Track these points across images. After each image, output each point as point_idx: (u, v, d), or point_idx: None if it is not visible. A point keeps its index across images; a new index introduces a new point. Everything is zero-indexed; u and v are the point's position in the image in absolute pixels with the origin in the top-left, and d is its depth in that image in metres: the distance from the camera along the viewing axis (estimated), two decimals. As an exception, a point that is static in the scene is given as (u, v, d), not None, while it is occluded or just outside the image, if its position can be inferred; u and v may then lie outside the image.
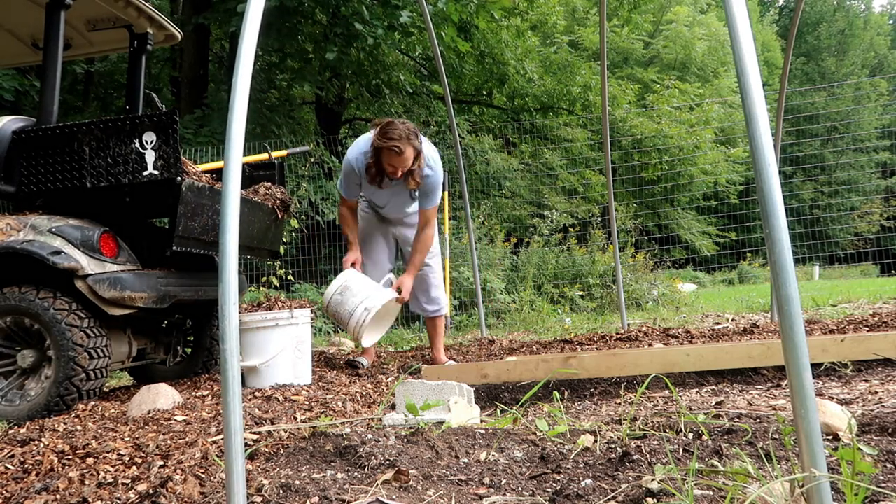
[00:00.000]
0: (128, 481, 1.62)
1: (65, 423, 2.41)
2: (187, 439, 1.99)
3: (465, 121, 12.26)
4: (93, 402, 2.79)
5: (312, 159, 8.47)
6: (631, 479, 1.36)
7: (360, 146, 3.49)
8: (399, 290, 3.50)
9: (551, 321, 7.37)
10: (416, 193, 3.56)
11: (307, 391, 2.81)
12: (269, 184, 3.63)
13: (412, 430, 1.80)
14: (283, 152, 4.24)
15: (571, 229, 10.37)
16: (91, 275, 2.74)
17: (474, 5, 9.35)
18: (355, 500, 1.34)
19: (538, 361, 3.06)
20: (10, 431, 2.41)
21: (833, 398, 2.43)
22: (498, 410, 2.46)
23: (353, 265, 3.51)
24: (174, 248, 2.87)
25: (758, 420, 1.94)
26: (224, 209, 1.29)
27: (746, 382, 2.90)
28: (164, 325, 3.59)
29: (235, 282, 1.26)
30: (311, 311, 3.23)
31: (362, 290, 3.32)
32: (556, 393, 2.69)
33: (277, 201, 3.57)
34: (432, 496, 1.36)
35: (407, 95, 11.04)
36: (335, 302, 3.32)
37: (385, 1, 8.28)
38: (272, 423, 2.17)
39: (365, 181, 3.50)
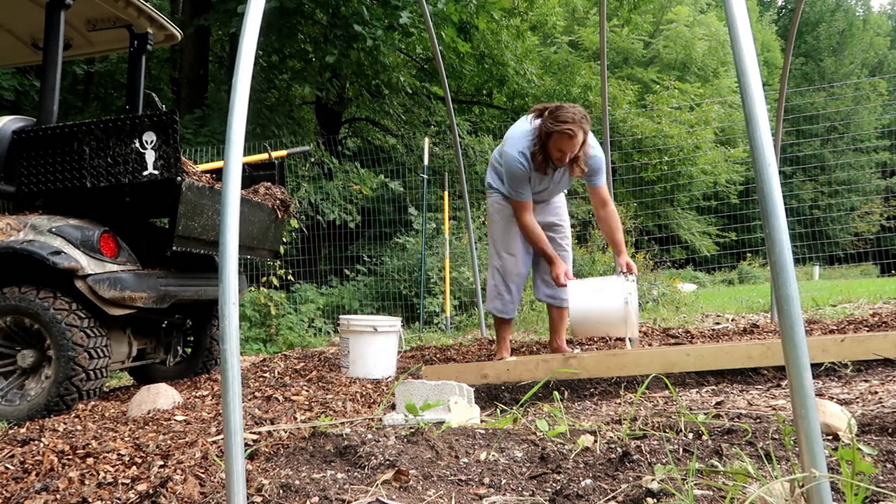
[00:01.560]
0: (128, 481, 1.62)
1: (65, 423, 2.41)
2: (187, 439, 1.99)
3: (465, 121, 12.26)
4: (93, 402, 2.79)
5: (312, 159, 8.48)
6: (631, 479, 1.36)
7: (517, 140, 3.32)
8: (629, 270, 3.43)
9: (551, 321, 7.35)
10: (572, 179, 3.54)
11: (307, 391, 2.81)
12: (269, 184, 3.63)
13: (412, 430, 1.80)
14: (284, 152, 4.22)
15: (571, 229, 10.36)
16: (91, 275, 2.74)
17: (474, 6, 9.36)
18: (355, 500, 1.34)
19: (538, 361, 3.06)
20: (10, 431, 2.41)
21: (833, 398, 2.43)
22: (498, 410, 2.46)
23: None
24: (174, 248, 2.87)
25: (758, 420, 1.94)
26: (224, 209, 1.29)
27: (746, 382, 2.90)
28: (164, 325, 3.59)
29: (235, 282, 1.26)
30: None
31: (608, 287, 3.31)
32: (556, 393, 2.69)
33: (277, 201, 3.57)
34: (432, 496, 1.36)
35: (407, 96, 11.05)
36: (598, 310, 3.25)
37: (385, 1, 8.28)
38: (272, 423, 2.17)
39: (533, 173, 3.35)
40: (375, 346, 3.25)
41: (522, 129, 3.31)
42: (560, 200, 3.77)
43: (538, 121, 3.25)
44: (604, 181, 3.52)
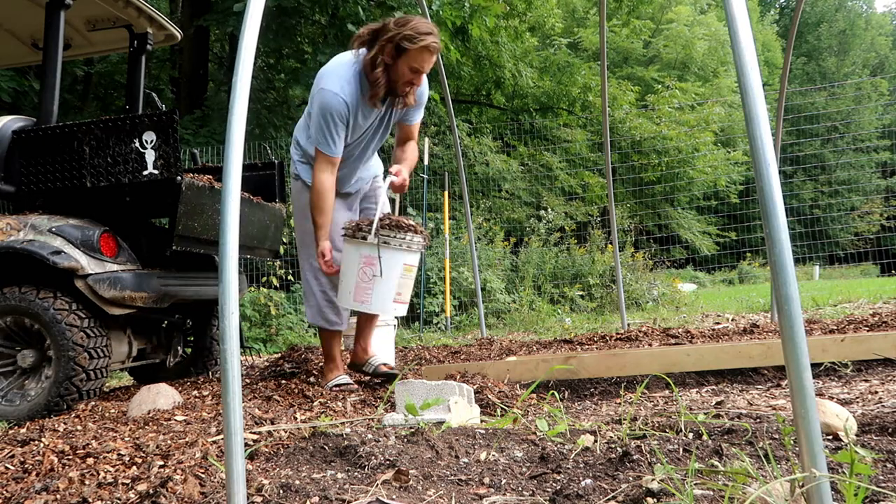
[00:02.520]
0: (128, 481, 1.61)
1: (65, 423, 2.41)
2: (187, 439, 1.99)
3: (464, 121, 12.26)
4: (93, 402, 2.79)
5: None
6: (631, 478, 1.36)
7: (337, 71, 2.66)
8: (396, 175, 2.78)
9: (551, 321, 7.37)
10: (396, 115, 2.88)
11: (311, 389, 2.81)
12: None
13: (412, 430, 1.80)
14: None
15: (569, 229, 10.38)
16: (91, 274, 2.74)
17: (469, 8, 9.36)
18: (355, 500, 1.34)
19: (538, 361, 3.06)
20: (10, 431, 2.41)
21: (833, 398, 2.43)
22: (498, 410, 2.46)
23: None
24: (174, 247, 2.88)
25: (758, 420, 1.94)
26: (224, 209, 1.29)
27: (746, 382, 2.90)
28: (164, 325, 3.59)
29: (235, 282, 1.26)
30: None
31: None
32: (556, 393, 2.69)
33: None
34: (432, 496, 1.36)
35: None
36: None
37: (382, 2, 8.28)
38: (272, 423, 2.17)
39: (362, 110, 2.72)
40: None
41: (344, 60, 2.69)
42: (376, 163, 3.10)
43: (376, 42, 2.59)
44: (419, 118, 2.98)
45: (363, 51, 2.65)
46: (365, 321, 3.04)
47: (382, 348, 3.47)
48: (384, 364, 3.02)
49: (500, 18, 10.41)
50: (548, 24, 13.97)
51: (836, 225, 16.53)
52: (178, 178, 2.79)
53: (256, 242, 3.47)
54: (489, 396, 2.50)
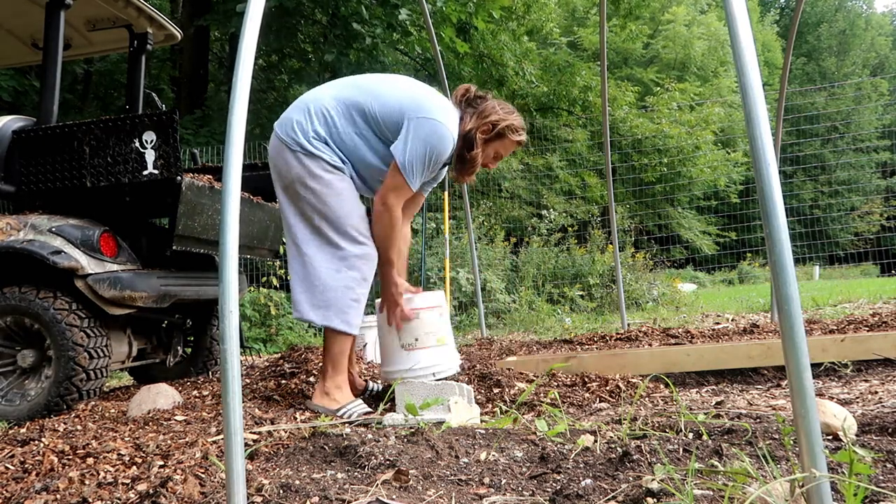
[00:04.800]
0: (128, 481, 1.61)
1: (65, 423, 2.41)
2: (187, 439, 1.99)
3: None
4: (93, 402, 2.79)
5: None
6: (631, 478, 1.36)
7: (452, 120, 2.45)
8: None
9: (551, 321, 7.37)
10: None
11: (311, 389, 2.81)
12: None
13: (412, 430, 1.80)
14: None
15: (570, 229, 10.39)
16: (91, 274, 2.74)
17: (473, 4, 9.35)
18: (355, 500, 1.34)
19: (538, 361, 3.06)
20: (10, 431, 2.41)
21: (833, 398, 2.43)
22: (498, 410, 2.46)
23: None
24: (174, 247, 2.88)
25: (758, 420, 1.94)
26: (224, 209, 1.29)
27: (746, 382, 2.90)
28: (164, 325, 3.59)
29: (235, 282, 1.26)
30: None
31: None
32: (555, 392, 2.69)
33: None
34: (432, 496, 1.36)
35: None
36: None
37: (384, 0, 8.29)
38: (272, 423, 2.17)
39: (437, 173, 2.57)
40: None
41: (449, 106, 2.50)
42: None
43: (475, 113, 2.50)
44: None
45: (458, 112, 2.50)
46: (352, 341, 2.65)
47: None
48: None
49: (500, 19, 10.41)
50: (546, 28, 13.95)
51: (836, 225, 16.54)
52: (178, 178, 2.79)
53: (256, 242, 3.47)
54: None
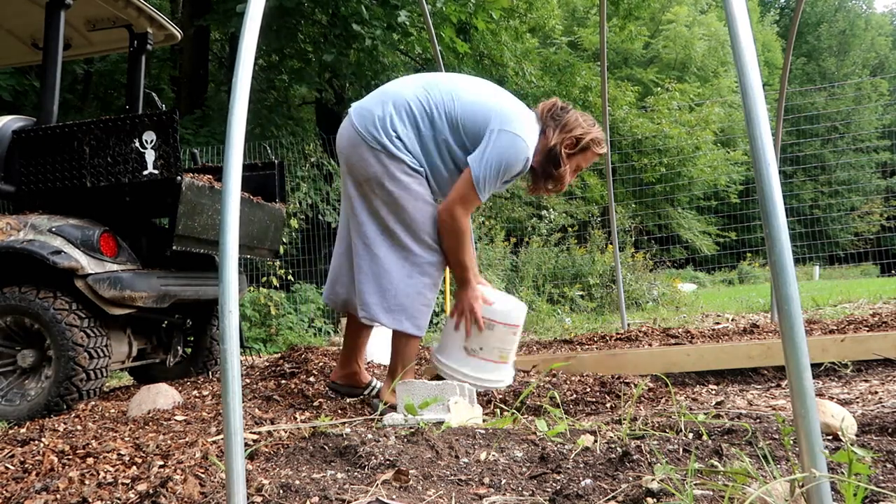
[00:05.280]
0: (128, 481, 1.61)
1: (65, 423, 2.41)
2: (187, 439, 1.99)
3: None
4: (93, 402, 2.79)
5: (312, 160, 8.48)
6: (631, 478, 1.36)
7: (533, 137, 2.40)
8: None
9: (551, 321, 7.37)
10: None
11: (311, 389, 2.81)
12: None
13: (412, 430, 1.80)
14: None
15: (570, 229, 10.39)
16: (91, 274, 2.74)
17: (472, 5, 9.35)
18: (355, 500, 1.34)
19: (538, 361, 3.06)
20: (10, 431, 2.41)
21: (833, 398, 2.43)
22: (498, 410, 2.46)
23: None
24: (174, 247, 2.88)
25: (758, 420, 1.94)
26: (224, 209, 1.29)
27: (746, 382, 2.90)
28: (164, 325, 3.59)
29: (235, 282, 1.26)
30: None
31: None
32: (555, 392, 2.69)
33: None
34: (432, 496, 1.36)
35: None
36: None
37: (384, 1, 8.29)
38: (272, 423, 2.17)
39: (508, 183, 2.53)
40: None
41: (533, 121, 2.46)
42: None
43: (557, 127, 2.46)
44: None
45: (539, 125, 2.45)
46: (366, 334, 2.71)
47: (383, 348, 3.52)
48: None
49: (501, 19, 10.41)
50: (548, 25, 13.96)
51: (836, 225, 16.54)
52: (178, 178, 2.79)
53: (256, 242, 3.47)
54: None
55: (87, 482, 1.66)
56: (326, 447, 1.69)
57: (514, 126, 2.34)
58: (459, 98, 2.39)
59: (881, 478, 1.34)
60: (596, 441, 1.64)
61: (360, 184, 2.41)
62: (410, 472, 1.48)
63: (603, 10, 5.44)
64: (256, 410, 2.37)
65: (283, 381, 3.01)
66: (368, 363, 3.42)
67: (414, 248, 2.38)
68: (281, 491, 1.39)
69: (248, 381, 3.11)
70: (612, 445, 1.59)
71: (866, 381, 2.71)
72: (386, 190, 2.35)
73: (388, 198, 2.36)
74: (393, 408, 2.24)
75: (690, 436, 1.74)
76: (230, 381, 1.21)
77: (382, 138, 2.34)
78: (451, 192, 2.38)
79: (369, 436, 1.73)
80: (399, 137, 2.35)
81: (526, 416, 2.30)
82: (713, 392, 2.78)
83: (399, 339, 2.46)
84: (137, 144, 2.83)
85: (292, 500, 1.36)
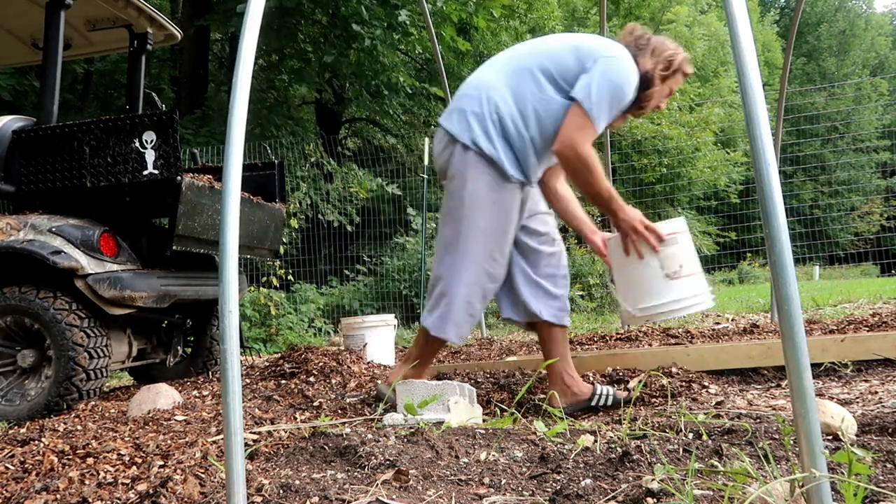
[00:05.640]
0: (128, 481, 1.61)
1: (65, 423, 2.41)
2: (187, 439, 1.99)
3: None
4: (93, 402, 2.79)
5: (312, 160, 8.49)
6: (631, 478, 1.36)
7: (631, 60, 2.31)
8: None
9: (551, 321, 7.35)
10: None
11: (311, 389, 2.81)
12: None
13: (412, 430, 1.80)
14: None
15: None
16: (91, 274, 2.74)
17: (473, 4, 9.36)
18: (355, 500, 1.34)
19: (538, 361, 3.06)
20: (10, 431, 2.41)
21: (833, 398, 2.42)
22: (498, 410, 2.46)
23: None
24: (174, 247, 2.88)
25: (758, 420, 1.94)
26: (224, 209, 1.29)
27: (746, 382, 2.90)
28: (164, 325, 3.59)
29: (235, 282, 1.26)
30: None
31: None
32: (555, 392, 2.69)
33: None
34: (432, 496, 1.36)
35: (407, 96, 11.06)
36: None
37: (384, 1, 8.29)
38: (272, 423, 2.17)
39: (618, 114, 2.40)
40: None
41: (625, 49, 2.35)
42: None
43: (647, 53, 2.37)
44: None
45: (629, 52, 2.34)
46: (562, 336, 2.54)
47: (383, 348, 3.52)
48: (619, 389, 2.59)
49: (501, 18, 10.41)
50: (548, 25, 13.95)
51: (836, 225, 16.52)
52: (178, 178, 2.79)
53: (256, 242, 3.47)
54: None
55: (87, 482, 1.66)
56: (326, 447, 1.69)
57: (614, 52, 2.27)
58: (543, 52, 2.35)
59: (881, 478, 1.34)
60: (596, 441, 1.64)
61: (446, 182, 2.43)
62: (410, 472, 1.48)
63: (603, 10, 5.44)
64: (256, 410, 2.37)
65: (283, 381, 3.01)
66: (368, 363, 3.42)
67: (478, 257, 2.36)
68: (281, 491, 1.39)
69: (248, 381, 3.11)
70: (612, 445, 1.59)
71: (866, 381, 2.71)
72: (467, 191, 2.34)
73: (465, 202, 2.35)
74: (393, 407, 2.24)
75: (690, 436, 1.74)
76: (230, 381, 1.21)
77: (478, 138, 2.32)
78: (561, 129, 2.24)
79: (369, 436, 1.73)
80: (496, 132, 2.33)
81: (526, 414, 2.30)
82: (713, 392, 2.78)
83: (432, 337, 2.40)
84: (137, 144, 2.83)
85: (292, 500, 1.36)
